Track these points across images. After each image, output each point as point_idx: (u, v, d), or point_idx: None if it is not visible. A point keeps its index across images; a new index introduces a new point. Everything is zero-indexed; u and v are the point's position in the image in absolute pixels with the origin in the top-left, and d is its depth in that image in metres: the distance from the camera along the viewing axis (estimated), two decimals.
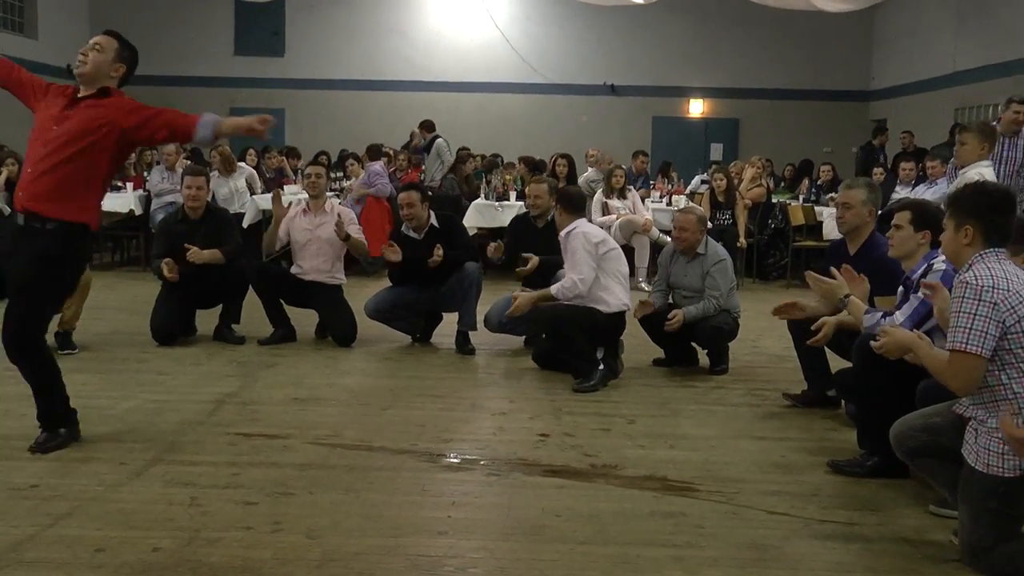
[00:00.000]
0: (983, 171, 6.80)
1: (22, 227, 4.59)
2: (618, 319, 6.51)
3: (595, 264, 6.37)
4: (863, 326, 4.69)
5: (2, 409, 5.45)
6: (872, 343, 4.04)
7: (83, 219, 4.62)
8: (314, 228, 7.54)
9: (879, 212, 5.72)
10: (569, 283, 6.35)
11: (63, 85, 4.84)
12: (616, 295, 6.44)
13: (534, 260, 7.03)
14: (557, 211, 6.75)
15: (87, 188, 4.64)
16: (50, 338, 6.83)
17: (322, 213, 7.56)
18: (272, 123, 5.02)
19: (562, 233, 6.55)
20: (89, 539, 3.67)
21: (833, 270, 5.01)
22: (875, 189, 5.78)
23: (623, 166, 11.97)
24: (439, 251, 7.10)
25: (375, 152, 12.91)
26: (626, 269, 6.72)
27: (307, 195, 7.89)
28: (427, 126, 15.47)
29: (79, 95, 4.70)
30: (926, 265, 4.63)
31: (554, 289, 6.43)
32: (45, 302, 4.72)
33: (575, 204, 6.74)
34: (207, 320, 7.58)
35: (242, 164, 12.28)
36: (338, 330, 7.44)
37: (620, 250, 6.73)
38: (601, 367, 6.30)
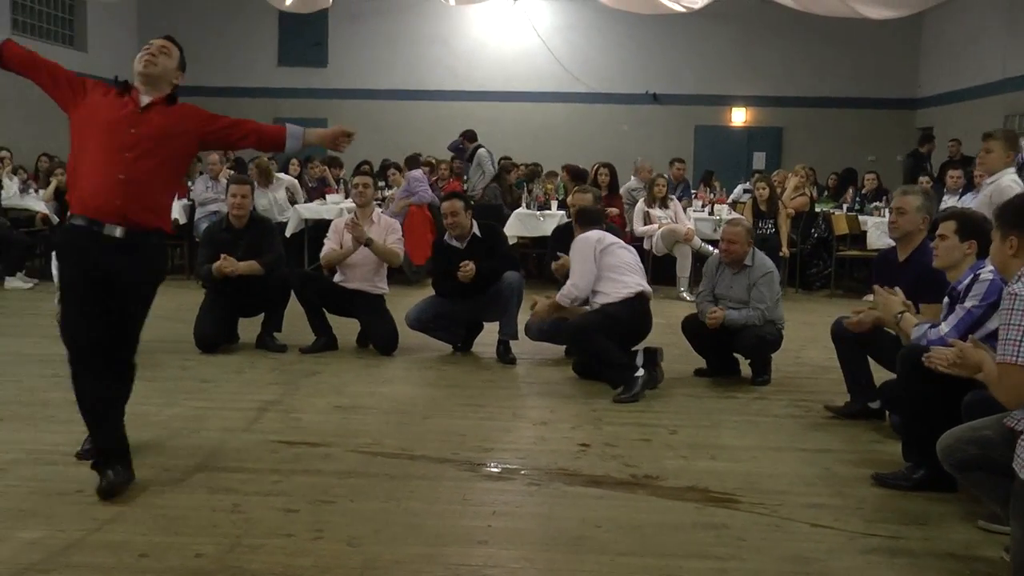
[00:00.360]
0: (1012, 178, 6.76)
1: (121, 240, 4.26)
2: (634, 304, 6.52)
3: (594, 266, 6.58)
4: (911, 338, 4.64)
5: (47, 415, 5.52)
6: (934, 359, 3.98)
7: (169, 228, 4.55)
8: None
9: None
10: (566, 288, 6.60)
11: (99, 82, 4.70)
12: (622, 284, 6.54)
13: (566, 258, 7.06)
14: (576, 228, 6.97)
15: (170, 195, 4.60)
16: None
17: (368, 223, 7.60)
18: (354, 137, 5.00)
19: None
20: (133, 544, 3.71)
21: (897, 289, 5.01)
22: (931, 197, 5.70)
23: (665, 175, 11.94)
24: (468, 266, 7.10)
25: (413, 162, 12.98)
26: (631, 257, 6.81)
27: (354, 204, 7.97)
28: (469, 136, 15.50)
29: (144, 99, 4.44)
30: (972, 275, 4.57)
31: (559, 296, 6.64)
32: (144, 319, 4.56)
33: (590, 220, 6.99)
34: (249, 328, 7.64)
35: (281, 175, 12.40)
36: (380, 339, 7.48)
37: (621, 243, 6.89)
38: (640, 373, 6.28)
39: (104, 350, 4.28)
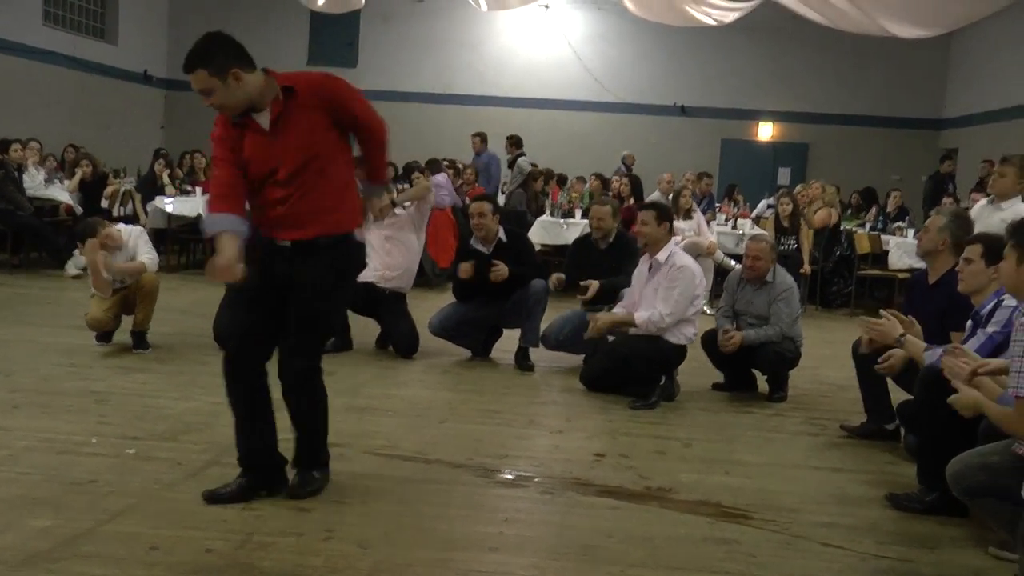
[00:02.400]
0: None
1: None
2: (684, 352, 6.49)
3: (691, 306, 6.39)
4: (924, 362, 4.61)
5: (64, 405, 5.55)
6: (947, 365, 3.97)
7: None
8: (389, 234, 7.61)
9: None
10: (656, 317, 6.28)
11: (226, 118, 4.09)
12: (691, 331, 6.45)
13: (594, 286, 7.03)
14: (660, 228, 6.57)
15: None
16: (124, 337, 7.04)
17: (392, 215, 7.58)
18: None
19: (659, 256, 6.49)
20: (144, 536, 3.72)
21: (883, 312, 4.98)
22: (960, 220, 5.60)
23: (689, 187, 11.91)
24: (499, 267, 7.10)
25: (435, 166, 12.99)
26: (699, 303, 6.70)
27: None
28: (515, 142, 15.52)
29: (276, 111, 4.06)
30: (996, 300, 4.53)
31: (639, 319, 6.34)
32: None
33: (667, 215, 6.71)
34: None
35: None
36: (401, 341, 7.48)
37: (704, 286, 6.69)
38: (661, 382, 6.30)
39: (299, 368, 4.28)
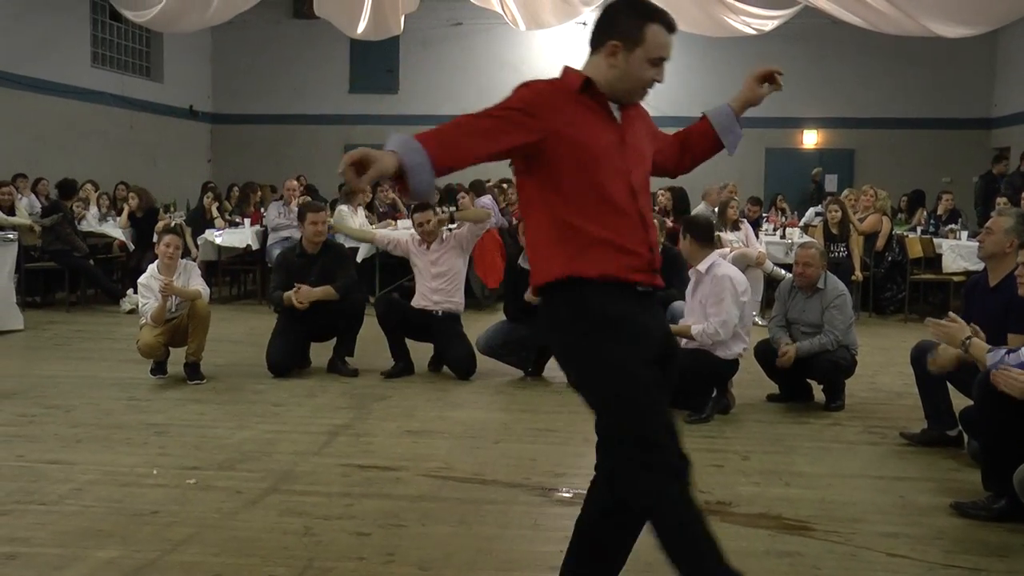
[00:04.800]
0: None
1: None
2: (735, 366, 6.42)
3: (737, 311, 6.25)
4: (987, 364, 4.53)
5: (124, 438, 5.63)
6: (1000, 379, 3.90)
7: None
8: (436, 259, 7.65)
9: None
10: (712, 329, 6.18)
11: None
12: (740, 344, 6.36)
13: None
14: (686, 242, 6.47)
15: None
16: (179, 369, 7.13)
17: (439, 242, 7.65)
18: None
19: (700, 267, 6.37)
20: (207, 565, 3.76)
21: (951, 314, 4.85)
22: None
23: (736, 198, 11.85)
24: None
25: (479, 188, 13.05)
26: (750, 316, 6.62)
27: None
28: None
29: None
30: None
31: (695, 331, 6.24)
32: None
33: (705, 234, 6.51)
34: (321, 353, 7.72)
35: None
36: (459, 363, 7.50)
37: (750, 295, 6.61)
38: (713, 395, 6.27)
39: None
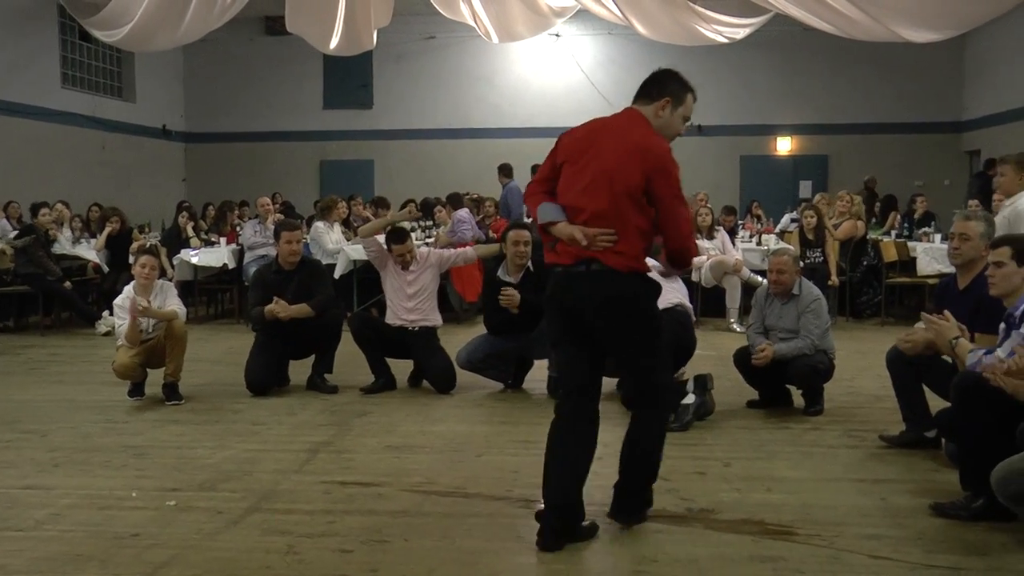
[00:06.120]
0: None
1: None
2: (673, 314, 6.42)
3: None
4: (966, 364, 4.56)
5: (102, 461, 5.59)
6: (987, 369, 3.93)
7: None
8: (413, 279, 7.64)
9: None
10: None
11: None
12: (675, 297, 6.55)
13: (512, 292, 7.20)
14: None
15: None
16: (157, 390, 7.09)
17: (416, 263, 7.64)
18: None
19: None
20: None
21: (946, 313, 4.89)
22: (992, 222, 5.62)
23: (708, 205, 11.91)
24: (509, 291, 7.12)
25: (457, 201, 13.06)
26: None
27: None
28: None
29: None
30: None
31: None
32: None
33: None
34: (300, 370, 7.69)
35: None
36: (439, 377, 7.48)
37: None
38: (690, 400, 6.28)
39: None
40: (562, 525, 4.14)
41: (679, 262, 4.31)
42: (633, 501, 4.40)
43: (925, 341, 5.07)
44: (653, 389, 4.27)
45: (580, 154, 4.27)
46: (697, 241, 10.76)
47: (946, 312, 4.91)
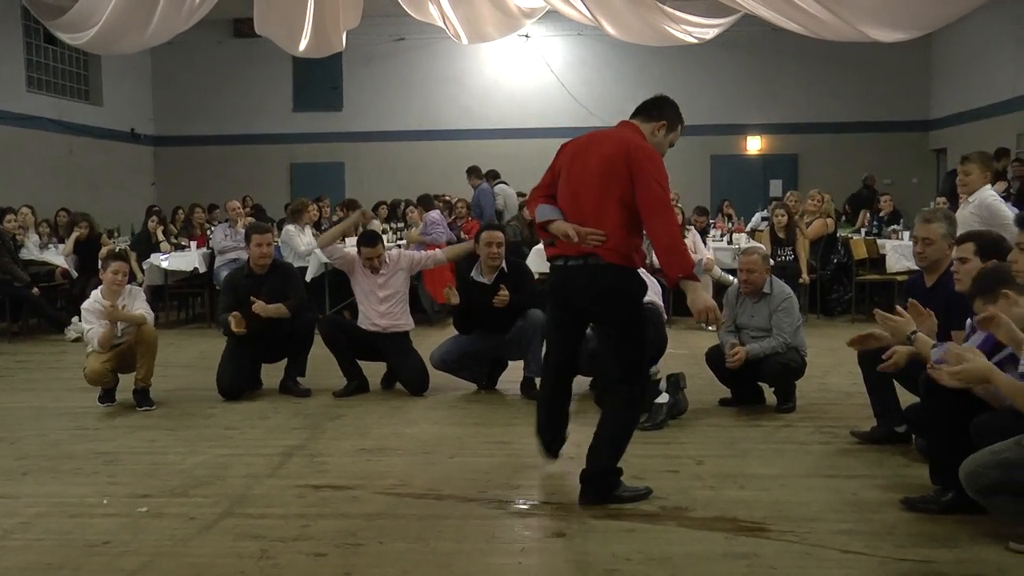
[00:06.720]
0: (991, 194, 6.96)
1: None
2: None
3: None
4: (931, 360, 4.60)
5: (72, 468, 5.54)
6: (943, 369, 3.96)
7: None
8: (383, 283, 7.60)
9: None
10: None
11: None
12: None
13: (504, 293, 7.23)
14: None
15: None
16: (128, 396, 7.03)
17: (385, 266, 7.62)
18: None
19: None
20: None
21: (899, 308, 4.93)
22: (953, 220, 5.68)
23: (679, 205, 11.96)
24: (504, 292, 7.14)
25: (428, 202, 13.04)
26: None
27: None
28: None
29: None
30: None
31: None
32: None
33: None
34: (272, 374, 7.66)
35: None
36: (411, 379, 7.47)
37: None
38: (663, 399, 6.31)
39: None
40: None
41: (672, 261, 4.59)
42: (597, 484, 4.72)
43: (906, 356, 5.02)
44: (630, 375, 4.69)
45: (574, 160, 4.76)
46: None
47: (898, 308, 4.93)
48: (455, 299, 7.34)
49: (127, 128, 20.72)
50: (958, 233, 5.54)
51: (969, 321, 4.66)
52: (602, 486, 4.72)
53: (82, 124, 18.84)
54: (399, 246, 11.84)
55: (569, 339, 4.94)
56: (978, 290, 4.40)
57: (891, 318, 4.89)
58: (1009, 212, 6.75)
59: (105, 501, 4.88)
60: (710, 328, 5.83)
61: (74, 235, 12.14)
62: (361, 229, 8.41)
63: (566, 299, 4.78)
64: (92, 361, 7.00)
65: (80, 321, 7.76)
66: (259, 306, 7.27)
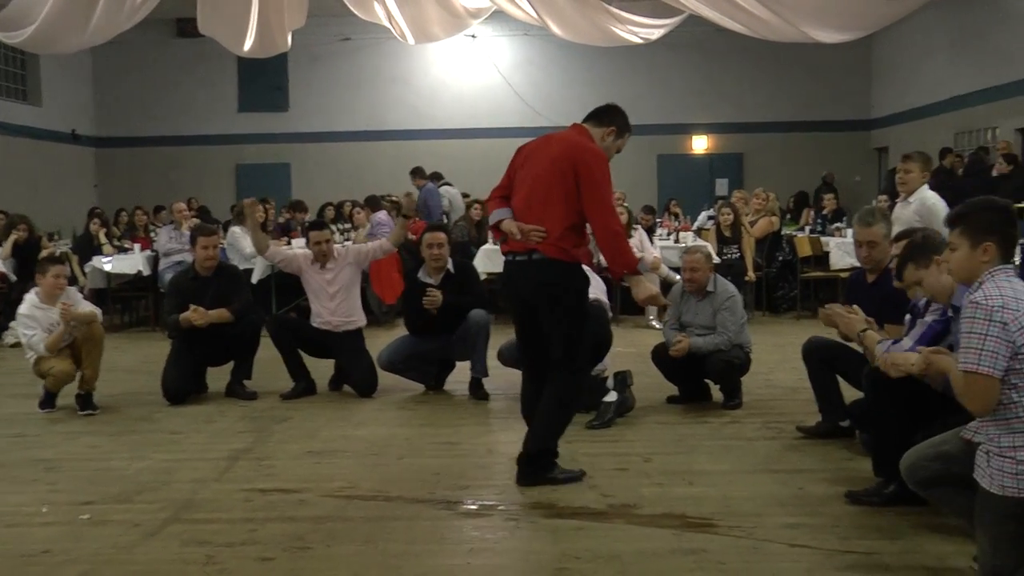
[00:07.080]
0: (932, 194, 7.03)
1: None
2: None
3: None
4: (876, 355, 4.66)
5: (10, 476, 5.44)
6: (887, 364, 4.07)
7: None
8: (332, 278, 7.55)
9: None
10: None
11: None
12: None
13: (436, 293, 7.20)
14: None
15: None
16: (69, 401, 6.90)
17: (333, 261, 7.56)
18: None
19: None
20: None
21: (855, 307, 5.00)
22: (889, 218, 5.78)
23: (625, 204, 12.01)
24: (434, 293, 7.10)
25: (375, 203, 12.97)
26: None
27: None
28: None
29: None
30: None
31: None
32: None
33: None
34: (218, 377, 7.57)
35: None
36: (361, 380, 7.41)
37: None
38: (611, 397, 6.34)
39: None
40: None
41: (617, 259, 4.88)
42: (533, 465, 5.00)
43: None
44: (571, 362, 4.93)
45: (528, 161, 5.04)
46: None
47: (855, 307, 5.02)
48: (437, 303, 7.19)
49: (68, 129, 20.40)
50: (896, 230, 5.65)
51: (908, 316, 4.74)
52: (537, 467, 4.99)
53: (19, 125, 18.51)
54: (345, 245, 11.78)
55: (532, 331, 5.05)
56: (911, 256, 4.58)
57: (843, 313, 4.96)
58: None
59: (45, 509, 4.79)
60: (659, 326, 5.91)
61: (12, 238, 11.90)
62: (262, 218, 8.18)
63: (516, 292, 5.04)
64: (55, 363, 6.82)
65: (17, 326, 7.61)
66: (199, 313, 7.17)
